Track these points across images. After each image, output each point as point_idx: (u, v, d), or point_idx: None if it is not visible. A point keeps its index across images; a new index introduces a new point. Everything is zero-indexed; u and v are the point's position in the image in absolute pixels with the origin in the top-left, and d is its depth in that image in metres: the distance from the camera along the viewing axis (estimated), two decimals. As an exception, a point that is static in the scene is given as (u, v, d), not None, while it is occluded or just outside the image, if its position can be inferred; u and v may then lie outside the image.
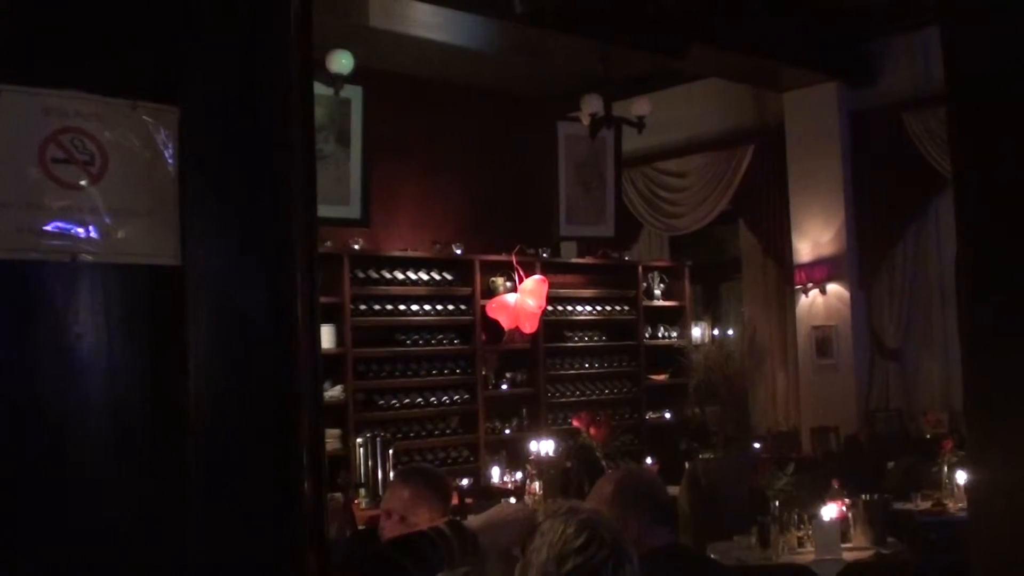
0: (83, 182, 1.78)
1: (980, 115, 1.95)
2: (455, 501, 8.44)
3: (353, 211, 9.39)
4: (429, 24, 9.03)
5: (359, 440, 9.14)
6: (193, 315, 1.83)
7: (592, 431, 9.75)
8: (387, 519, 4.17)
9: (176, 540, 1.81)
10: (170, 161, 1.85)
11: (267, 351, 1.93)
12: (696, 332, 13.25)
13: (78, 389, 1.72)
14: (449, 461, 10.76)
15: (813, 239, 11.53)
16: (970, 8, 1.97)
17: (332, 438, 9.63)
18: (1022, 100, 1.87)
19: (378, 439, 9.00)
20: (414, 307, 10.74)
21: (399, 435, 10.21)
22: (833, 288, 11.41)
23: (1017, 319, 1.90)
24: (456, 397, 11.01)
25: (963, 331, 2.03)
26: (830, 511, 7.01)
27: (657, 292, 12.90)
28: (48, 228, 1.74)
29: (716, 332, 13.79)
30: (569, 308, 12.18)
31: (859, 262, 11.43)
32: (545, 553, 2.71)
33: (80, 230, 1.76)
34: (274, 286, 1.96)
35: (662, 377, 12.80)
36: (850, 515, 7.20)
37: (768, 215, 12.13)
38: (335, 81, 8.62)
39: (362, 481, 8.96)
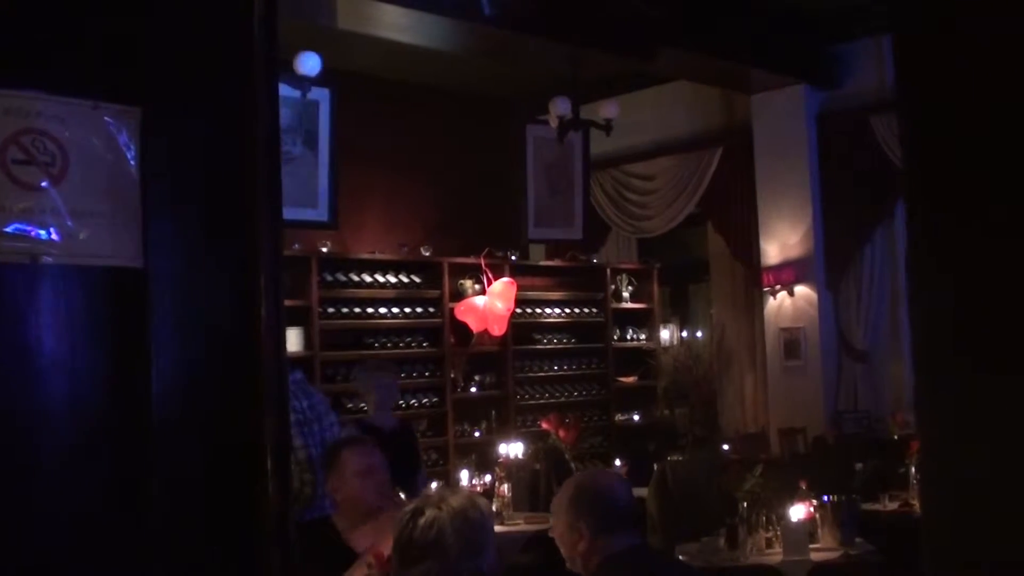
0: (44, 183, 1.76)
1: (930, 109, 1.98)
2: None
3: (321, 214, 9.35)
4: (397, 26, 9.01)
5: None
6: (155, 317, 1.82)
7: (561, 433, 9.75)
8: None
9: (138, 538, 1.80)
10: (132, 162, 1.84)
11: (231, 353, 1.92)
12: (664, 334, 13.29)
13: (39, 390, 1.71)
14: (418, 464, 10.74)
15: (781, 241, 11.56)
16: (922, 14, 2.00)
17: (300, 441, 9.58)
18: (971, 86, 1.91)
19: (346, 442, 8.97)
20: (382, 310, 10.72)
21: (368, 438, 10.18)
22: (801, 290, 11.45)
23: (968, 304, 1.92)
24: (425, 400, 10.99)
25: (913, 320, 2.06)
26: (798, 512, 7.03)
27: (625, 294, 12.92)
28: (8, 230, 1.73)
29: (684, 334, 13.83)
30: (538, 310, 12.18)
31: (826, 264, 11.48)
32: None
33: (41, 232, 1.75)
34: (238, 288, 1.95)
35: (631, 379, 12.81)
36: (818, 516, 7.22)
37: (736, 217, 12.16)
38: (303, 83, 8.59)
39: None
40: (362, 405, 8.19)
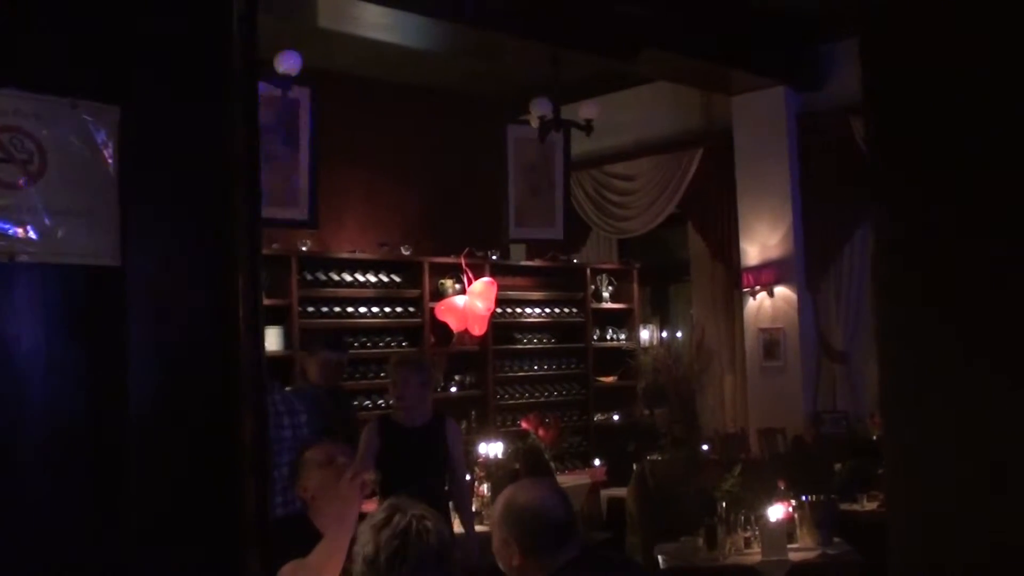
0: (21, 181, 1.76)
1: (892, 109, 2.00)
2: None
3: (301, 212, 9.33)
4: (378, 25, 9.00)
5: (306, 443, 9.07)
6: (133, 316, 1.82)
7: (541, 433, 9.76)
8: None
9: (113, 536, 1.79)
10: (110, 160, 1.83)
11: (209, 352, 1.92)
12: (644, 334, 13.30)
13: (16, 389, 1.70)
14: (398, 464, 10.72)
15: (761, 242, 11.58)
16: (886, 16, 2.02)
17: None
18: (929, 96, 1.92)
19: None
20: (362, 309, 10.71)
21: (347, 438, 10.17)
22: (780, 291, 11.47)
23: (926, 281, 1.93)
24: (404, 399, 10.96)
25: (881, 319, 2.08)
26: (777, 512, 7.05)
27: (606, 294, 12.94)
28: (-15, 228, 1.72)
29: (664, 334, 13.84)
30: (518, 310, 12.19)
31: (806, 265, 11.50)
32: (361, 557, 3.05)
33: (18, 230, 1.74)
34: (216, 287, 1.94)
35: (611, 379, 12.83)
36: (796, 516, 7.24)
37: (716, 218, 12.18)
38: (283, 82, 8.57)
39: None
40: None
